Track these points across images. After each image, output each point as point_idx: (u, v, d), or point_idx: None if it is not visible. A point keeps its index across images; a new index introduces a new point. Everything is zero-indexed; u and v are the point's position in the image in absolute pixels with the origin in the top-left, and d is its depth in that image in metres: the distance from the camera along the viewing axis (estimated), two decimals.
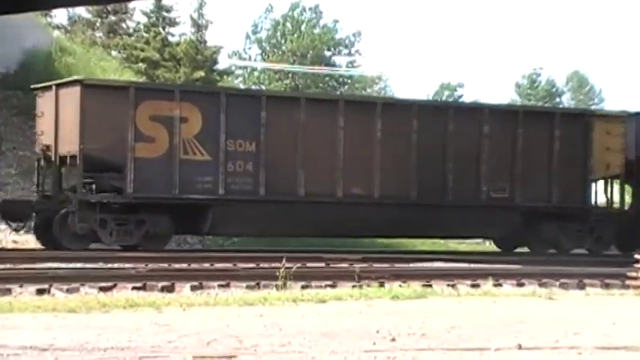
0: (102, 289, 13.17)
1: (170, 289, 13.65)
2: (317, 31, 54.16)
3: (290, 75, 52.35)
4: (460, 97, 70.65)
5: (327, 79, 52.71)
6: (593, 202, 23.44)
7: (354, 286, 13.98)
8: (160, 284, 13.79)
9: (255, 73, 54.67)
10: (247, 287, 14.08)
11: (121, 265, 16.43)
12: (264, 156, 20.18)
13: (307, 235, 23.49)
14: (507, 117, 22.54)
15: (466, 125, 21.92)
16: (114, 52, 42.17)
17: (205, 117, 19.80)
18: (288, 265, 14.01)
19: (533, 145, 22.35)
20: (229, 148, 19.95)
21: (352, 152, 20.91)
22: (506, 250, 23.69)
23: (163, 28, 44.31)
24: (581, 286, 16.04)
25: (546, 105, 63.06)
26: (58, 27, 41.27)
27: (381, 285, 14.40)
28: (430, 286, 14.84)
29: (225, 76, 45.60)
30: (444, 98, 68.11)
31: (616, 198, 24.01)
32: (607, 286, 16.10)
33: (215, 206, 19.85)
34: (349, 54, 56.08)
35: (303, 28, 54.01)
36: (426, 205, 21.50)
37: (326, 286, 14.44)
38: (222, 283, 14.34)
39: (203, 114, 19.80)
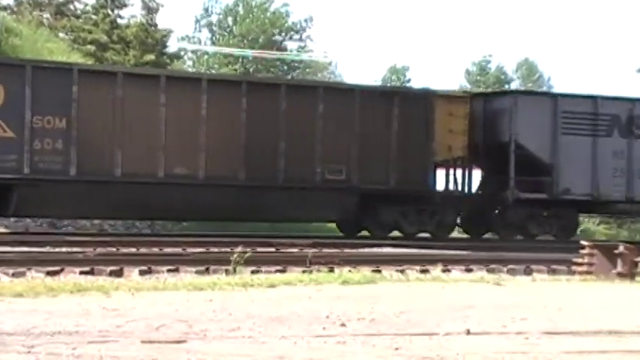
0: (49, 273, 13.04)
1: (118, 274, 13.58)
2: (268, 15, 53.91)
3: (240, 59, 52.12)
4: (408, 81, 70.87)
5: (278, 63, 52.57)
6: (435, 185, 22.96)
7: (303, 271, 14.00)
8: (109, 269, 13.71)
9: (205, 57, 54.37)
10: (197, 272, 14.05)
11: (69, 249, 16.27)
12: (76, 133, 19.31)
13: (125, 218, 22.78)
14: (344, 96, 21.85)
15: (300, 104, 21.22)
16: (61, 34, 41.61)
17: (8, 91, 18.90)
18: (237, 250, 14.01)
19: (372, 126, 21.73)
20: (36, 124, 19.04)
21: (175, 130, 20.16)
22: (348, 234, 22.97)
23: (112, 10, 43.79)
24: (528, 272, 16.26)
25: None
26: (4, 8, 40.63)
27: (331, 270, 14.43)
28: (379, 271, 14.91)
29: (175, 60, 45.26)
30: (392, 83, 68.22)
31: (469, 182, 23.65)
32: (553, 271, 16.32)
33: (20, 186, 19.03)
34: (300, 39, 56.01)
35: (254, 12, 53.74)
36: (255, 187, 20.83)
37: (276, 271, 14.45)
38: (172, 267, 14.30)
39: (6, 88, 18.90)
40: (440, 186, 23.46)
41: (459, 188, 23.64)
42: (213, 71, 50.57)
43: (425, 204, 22.61)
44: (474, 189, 24.06)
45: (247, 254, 14.04)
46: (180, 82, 20.90)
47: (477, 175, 24.28)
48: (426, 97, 22.93)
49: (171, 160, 20.12)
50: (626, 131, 24.12)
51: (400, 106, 22.06)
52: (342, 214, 22.24)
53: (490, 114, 23.74)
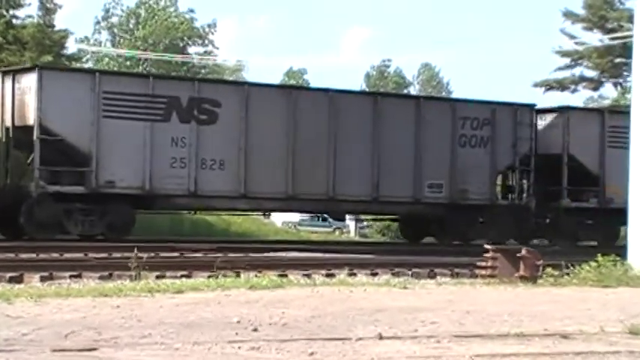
0: None
1: (19, 280, 13.23)
2: (172, 19, 53.46)
3: (142, 62, 51.52)
4: (307, 83, 71.24)
5: (184, 68, 52.10)
6: None
7: (209, 276, 13.87)
8: (8, 275, 13.35)
9: (106, 60, 53.56)
10: (100, 278, 13.80)
11: None
12: None
13: None
14: None
15: None
16: None
17: None
18: (141, 254, 13.81)
19: None
20: None
21: None
22: None
23: (7, 10, 42.68)
24: (432, 276, 16.42)
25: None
26: None
27: (238, 275, 14.33)
28: (286, 275, 14.87)
29: (73, 62, 44.41)
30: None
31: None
32: (457, 275, 16.53)
33: None
34: (203, 44, 55.67)
35: (158, 15, 53.20)
36: None
37: (181, 276, 14.29)
38: (74, 273, 14.02)
39: None
40: None
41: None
42: None
43: None
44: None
45: (152, 259, 13.86)
46: None
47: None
48: None
49: None
50: (188, 116, 21.91)
51: None
52: None
53: (19, 92, 21.07)
